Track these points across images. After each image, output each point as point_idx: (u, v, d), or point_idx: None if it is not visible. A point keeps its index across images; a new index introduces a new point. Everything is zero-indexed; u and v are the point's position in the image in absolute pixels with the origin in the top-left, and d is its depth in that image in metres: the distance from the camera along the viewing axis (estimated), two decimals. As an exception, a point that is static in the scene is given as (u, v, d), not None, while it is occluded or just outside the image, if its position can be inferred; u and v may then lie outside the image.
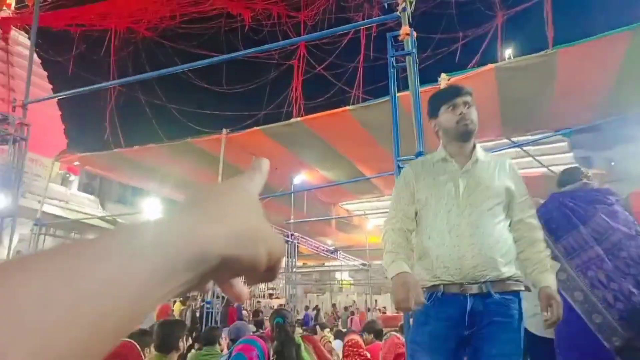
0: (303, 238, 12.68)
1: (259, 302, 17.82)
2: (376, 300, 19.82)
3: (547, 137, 8.55)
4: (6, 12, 14.98)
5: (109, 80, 10.77)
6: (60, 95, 7.20)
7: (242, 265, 0.31)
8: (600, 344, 2.24)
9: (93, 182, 17.49)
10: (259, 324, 8.55)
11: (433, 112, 2.09)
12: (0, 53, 14.91)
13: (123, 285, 0.24)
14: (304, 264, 21.21)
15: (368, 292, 19.89)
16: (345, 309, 17.39)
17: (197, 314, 9.80)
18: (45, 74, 15.95)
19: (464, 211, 1.86)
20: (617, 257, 2.35)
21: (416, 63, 3.81)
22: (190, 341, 6.45)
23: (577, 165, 3.84)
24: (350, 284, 22.83)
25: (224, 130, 8.50)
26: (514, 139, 8.64)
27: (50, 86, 15.73)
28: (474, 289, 1.79)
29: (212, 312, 7.72)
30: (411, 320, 2.44)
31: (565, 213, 2.54)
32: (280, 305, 15.44)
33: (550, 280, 1.82)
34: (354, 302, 20.10)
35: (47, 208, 10.90)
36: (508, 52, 13.57)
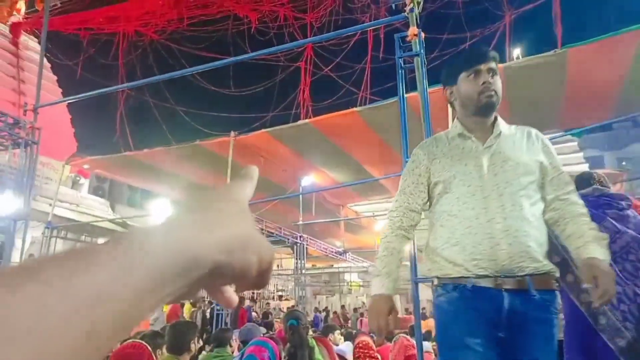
0: (312, 239, 12.68)
1: (268, 303, 17.85)
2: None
3: (557, 137, 8.50)
4: (16, 17, 15.14)
5: (117, 84, 10.85)
6: (71, 99, 7.26)
7: (233, 272, 0.32)
8: (606, 346, 2.22)
9: (103, 185, 17.61)
10: (268, 326, 8.57)
11: (450, 79, 1.82)
12: (11, 57, 15.08)
13: (117, 292, 0.24)
14: (313, 265, 21.22)
15: (377, 293, 19.79)
16: (355, 310, 17.36)
17: (208, 316, 9.85)
18: (55, 78, 16.09)
19: (492, 193, 1.61)
20: (625, 260, 2.34)
21: (424, 64, 3.80)
22: (201, 343, 6.47)
23: (589, 170, 3.80)
24: (360, 286, 22.79)
25: (232, 133, 8.54)
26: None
27: (60, 90, 15.88)
28: (511, 284, 1.54)
29: (222, 314, 7.75)
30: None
31: None
32: (291, 307, 15.47)
33: (596, 252, 1.55)
34: (363, 303, 20.05)
35: (58, 211, 10.99)
36: (517, 51, 13.50)
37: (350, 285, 22.61)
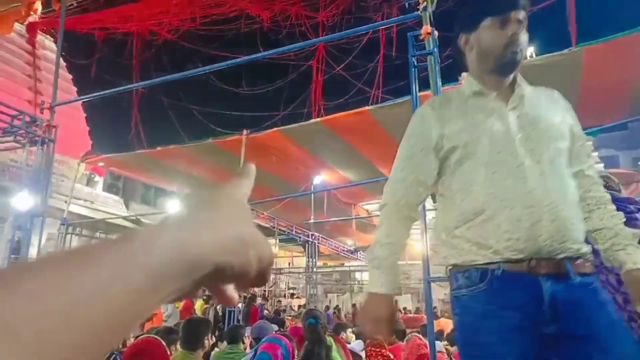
0: (323, 238, 12.69)
1: (279, 301, 17.91)
2: (397, 301, 19.66)
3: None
4: (33, 17, 15.35)
5: (131, 83, 10.96)
6: (87, 98, 7.36)
7: (233, 272, 0.32)
8: None
9: (117, 182, 17.82)
10: (280, 323, 8.61)
11: (468, 24, 1.50)
12: (28, 57, 15.31)
13: (117, 292, 0.24)
14: (324, 264, 21.23)
15: (388, 292, 19.75)
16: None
17: (220, 313, 9.92)
18: (71, 77, 16.32)
19: (527, 159, 1.33)
20: None
21: (438, 62, 3.79)
22: (213, 339, 6.53)
23: (598, 172, 3.77)
24: (371, 284, 22.70)
25: (245, 131, 8.59)
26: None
27: (75, 89, 16.09)
28: (549, 267, 1.27)
29: (234, 311, 7.79)
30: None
31: None
32: (302, 305, 15.50)
33: None
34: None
35: (74, 208, 11.14)
36: (530, 49, 13.37)
37: (362, 284, 22.59)
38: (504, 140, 1.37)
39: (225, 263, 0.31)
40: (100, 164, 11.13)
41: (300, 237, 11.90)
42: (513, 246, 1.27)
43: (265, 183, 11.12)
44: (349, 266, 21.50)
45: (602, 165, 11.77)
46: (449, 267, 1.44)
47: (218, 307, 10.18)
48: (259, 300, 13.54)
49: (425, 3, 3.93)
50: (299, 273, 18.96)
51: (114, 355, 3.24)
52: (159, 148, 9.67)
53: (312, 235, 11.87)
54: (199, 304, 10.59)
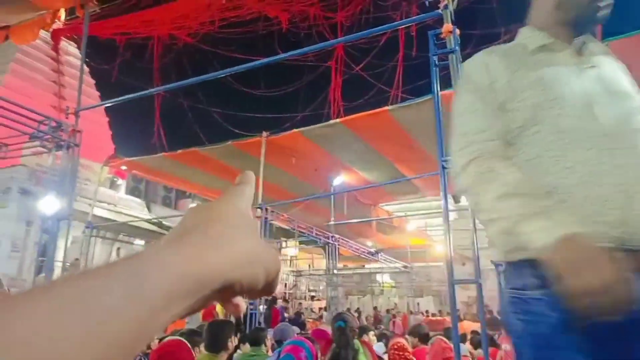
0: (343, 240, 12.64)
1: (300, 304, 17.94)
2: (418, 303, 19.55)
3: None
4: (57, 24, 15.70)
5: (151, 87, 11.10)
6: (110, 102, 7.49)
7: (241, 287, 0.33)
8: None
9: (139, 185, 18.10)
10: (301, 325, 8.60)
11: None
12: (52, 63, 15.66)
13: (130, 313, 0.25)
14: (344, 265, 21.19)
15: (410, 294, 19.67)
16: (387, 311, 17.23)
17: (241, 315, 9.96)
18: (94, 82, 16.64)
19: (613, 129, 1.09)
20: None
21: (459, 61, 3.74)
22: (236, 341, 6.55)
23: None
24: (392, 287, 22.62)
25: (264, 133, 8.63)
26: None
27: (98, 94, 16.40)
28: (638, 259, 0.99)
29: (255, 314, 7.81)
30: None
31: None
32: (323, 307, 15.49)
33: None
34: (396, 304, 19.90)
35: (97, 211, 11.35)
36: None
37: (383, 286, 22.47)
38: (584, 104, 1.12)
39: (234, 279, 0.32)
40: (123, 167, 11.32)
41: (320, 239, 11.87)
42: (599, 230, 1.01)
43: (285, 184, 11.15)
44: (370, 268, 21.42)
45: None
46: (503, 265, 1.19)
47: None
48: (279, 303, 13.58)
49: (446, 1, 3.88)
50: (319, 275, 18.95)
51: (139, 357, 3.26)
52: (179, 151, 9.79)
53: (332, 237, 11.83)
54: (219, 307, 10.64)
